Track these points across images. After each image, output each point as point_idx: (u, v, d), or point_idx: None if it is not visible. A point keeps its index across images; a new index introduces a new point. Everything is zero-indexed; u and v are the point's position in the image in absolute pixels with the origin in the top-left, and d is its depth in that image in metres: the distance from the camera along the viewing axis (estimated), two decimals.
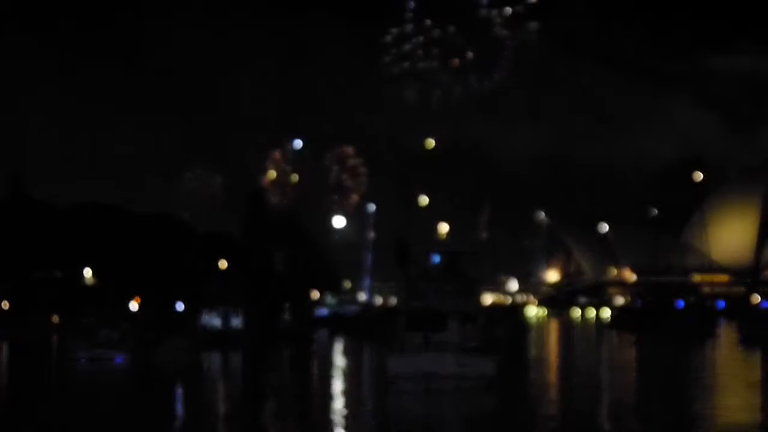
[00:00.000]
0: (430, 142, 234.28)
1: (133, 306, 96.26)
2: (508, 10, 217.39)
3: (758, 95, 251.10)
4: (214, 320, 72.03)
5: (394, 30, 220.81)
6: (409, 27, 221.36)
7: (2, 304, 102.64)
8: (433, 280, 39.96)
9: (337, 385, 41.18)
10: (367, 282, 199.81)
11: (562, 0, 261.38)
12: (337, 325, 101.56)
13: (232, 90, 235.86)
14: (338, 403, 34.25)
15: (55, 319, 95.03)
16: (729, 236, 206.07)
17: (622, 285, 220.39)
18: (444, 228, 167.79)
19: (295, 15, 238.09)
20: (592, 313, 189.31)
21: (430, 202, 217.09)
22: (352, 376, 46.44)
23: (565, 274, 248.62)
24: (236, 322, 72.31)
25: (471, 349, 37.04)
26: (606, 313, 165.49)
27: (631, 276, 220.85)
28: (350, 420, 30.12)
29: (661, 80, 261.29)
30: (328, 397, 36.95)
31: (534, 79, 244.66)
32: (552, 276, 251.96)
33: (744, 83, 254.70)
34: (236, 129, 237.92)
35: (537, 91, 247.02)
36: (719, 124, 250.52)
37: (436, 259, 42.26)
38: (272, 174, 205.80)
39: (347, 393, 38.34)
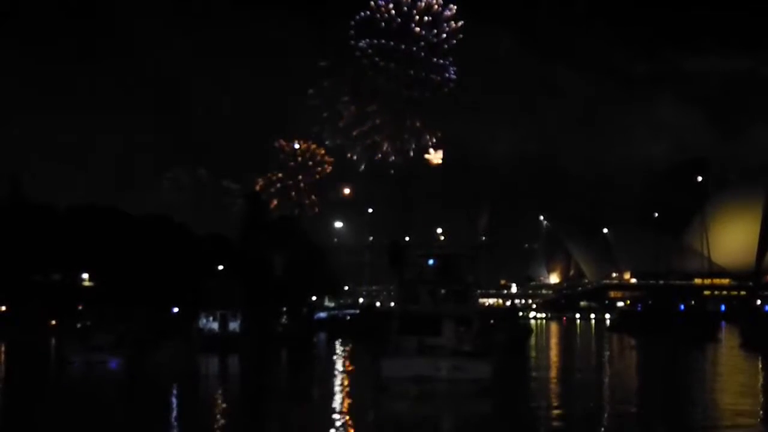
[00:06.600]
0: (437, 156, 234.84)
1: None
2: None
3: (739, 94, 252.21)
4: (211, 324, 71.49)
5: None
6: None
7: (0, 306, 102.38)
8: (428, 283, 39.55)
9: (331, 389, 40.75)
10: (365, 285, 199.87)
11: (537, 9, 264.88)
12: (336, 328, 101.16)
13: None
14: (330, 406, 33.80)
15: (53, 322, 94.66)
16: (730, 239, 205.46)
17: (622, 288, 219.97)
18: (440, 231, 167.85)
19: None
20: (592, 316, 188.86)
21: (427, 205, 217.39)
22: (346, 379, 46.03)
23: (566, 278, 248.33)
24: (234, 325, 71.79)
25: (466, 353, 36.53)
26: (606, 316, 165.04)
27: (631, 279, 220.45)
28: (340, 423, 29.73)
29: (640, 83, 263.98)
30: (319, 400, 36.58)
31: (520, 86, 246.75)
32: (552, 279, 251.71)
33: (719, 81, 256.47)
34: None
35: (524, 97, 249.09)
36: (705, 124, 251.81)
37: (432, 262, 41.90)
38: None
39: (340, 396, 37.91)
